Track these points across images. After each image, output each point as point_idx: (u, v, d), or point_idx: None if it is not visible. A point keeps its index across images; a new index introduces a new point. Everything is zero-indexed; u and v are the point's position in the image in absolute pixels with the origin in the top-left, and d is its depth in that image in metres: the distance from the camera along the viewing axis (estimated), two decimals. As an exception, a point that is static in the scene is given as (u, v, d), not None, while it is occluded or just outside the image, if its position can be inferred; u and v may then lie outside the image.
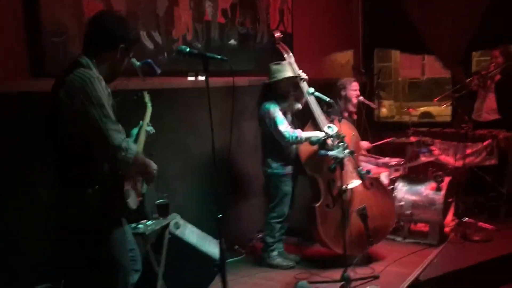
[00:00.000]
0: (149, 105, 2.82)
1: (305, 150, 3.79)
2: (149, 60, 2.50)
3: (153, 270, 3.11)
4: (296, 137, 3.70)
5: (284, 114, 3.80)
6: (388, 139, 4.90)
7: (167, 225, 3.24)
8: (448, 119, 6.13)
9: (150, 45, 3.54)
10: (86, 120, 1.98)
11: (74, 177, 2.08)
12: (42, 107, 2.82)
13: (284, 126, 3.72)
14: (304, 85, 3.86)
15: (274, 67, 3.82)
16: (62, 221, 2.12)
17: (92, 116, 1.96)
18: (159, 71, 2.47)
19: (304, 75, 3.87)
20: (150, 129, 2.66)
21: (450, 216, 4.52)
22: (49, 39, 2.91)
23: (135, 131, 2.61)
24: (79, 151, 2.05)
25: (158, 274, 3.11)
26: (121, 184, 2.15)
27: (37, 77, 2.88)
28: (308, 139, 3.70)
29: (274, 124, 3.72)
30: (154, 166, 2.28)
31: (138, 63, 2.40)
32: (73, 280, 2.19)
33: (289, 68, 3.81)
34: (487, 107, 5.15)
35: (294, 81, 3.82)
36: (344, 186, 3.48)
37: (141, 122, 2.67)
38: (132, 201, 2.24)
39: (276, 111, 3.74)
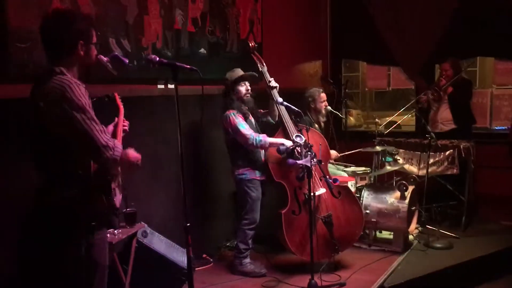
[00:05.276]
0: (121, 106, 2.84)
1: (272, 157, 3.84)
2: (116, 53, 2.53)
3: (119, 280, 3.07)
4: (261, 140, 3.75)
5: (246, 118, 3.87)
6: (356, 150, 5.01)
7: (134, 234, 3.21)
8: (413, 128, 6.30)
9: (119, 52, 3.51)
10: (71, 125, 2.00)
11: (60, 180, 2.08)
12: (6, 113, 2.80)
13: (247, 129, 3.78)
14: (274, 93, 3.93)
15: (228, 73, 3.95)
16: (43, 221, 2.09)
17: (76, 121, 1.99)
18: (127, 61, 2.48)
19: (274, 83, 3.95)
20: None
21: (413, 224, 4.63)
22: (15, 44, 2.86)
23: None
24: (66, 154, 2.07)
25: (125, 284, 3.08)
26: (109, 183, 2.19)
27: (1, 84, 2.82)
28: (273, 145, 3.77)
29: (237, 129, 3.77)
30: (137, 156, 2.27)
31: (105, 58, 2.39)
32: (47, 279, 2.16)
33: (240, 72, 3.91)
34: (442, 119, 5.34)
35: (248, 80, 3.91)
36: (311, 193, 3.53)
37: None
38: (117, 200, 2.29)
39: (236, 117, 3.81)
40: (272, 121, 4.12)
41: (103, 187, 2.16)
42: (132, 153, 2.28)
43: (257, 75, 3.98)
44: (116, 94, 2.90)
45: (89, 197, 2.09)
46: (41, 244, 2.11)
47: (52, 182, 2.10)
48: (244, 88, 3.92)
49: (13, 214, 2.79)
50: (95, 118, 2.05)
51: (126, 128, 2.63)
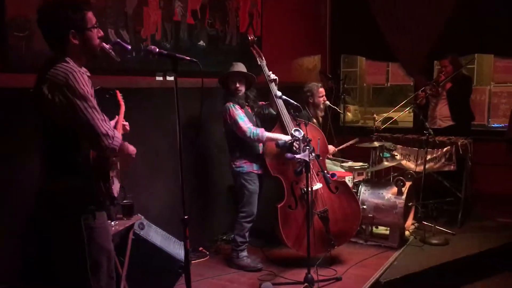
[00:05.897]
0: (122, 103, 2.83)
1: (270, 151, 3.83)
2: (118, 40, 2.55)
3: (116, 272, 3.06)
4: (258, 134, 3.76)
5: (242, 107, 3.88)
6: (353, 140, 5.02)
7: (131, 226, 3.20)
8: (410, 125, 6.30)
9: (117, 43, 3.49)
10: (73, 113, 2.02)
11: (62, 166, 2.12)
12: (4, 102, 2.78)
13: (246, 122, 3.78)
14: (273, 87, 3.92)
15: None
16: (47, 206, 2.14)
17: (78, 109, 2.02)
18: (129, 47, 2.50)
19: (273, 76, 3.94)
20: None
21: (410, 220, 4.64)
22: (12, 33, 2.83)
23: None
24: (67, 141, 2.10)
25: (122, 275, 3.07)
26: (107, 171, 2.22)
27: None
28: (270, 139, 3.77)
29: (236, 121, 3.78)
30: (133, 148, 2.42)
31: (107, 46, 2.38)
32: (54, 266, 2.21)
33: (236, 66, 3.91)
34: (441, 115, 5.35)
35: (238, 77, 3.90)
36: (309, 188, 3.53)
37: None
38: (115, 189, 2.31)
39: (236, 109, 3.82)
40: (274, 112, 4.10)
41: (102, 175, 2.19)
42: (129, 145, 2.38)
43: (250, 73, 3.95)
44: (117, 92, 2.91)
45: (88, 183, 2.12)
46: (43, 229, 2.15)
47: (52, 168, 2.14)
48: (232, 84, 3.91)
49: (12, 209, 2.79)
50: (96, 107, 2.07)
51: (127, 128, 2.67)
